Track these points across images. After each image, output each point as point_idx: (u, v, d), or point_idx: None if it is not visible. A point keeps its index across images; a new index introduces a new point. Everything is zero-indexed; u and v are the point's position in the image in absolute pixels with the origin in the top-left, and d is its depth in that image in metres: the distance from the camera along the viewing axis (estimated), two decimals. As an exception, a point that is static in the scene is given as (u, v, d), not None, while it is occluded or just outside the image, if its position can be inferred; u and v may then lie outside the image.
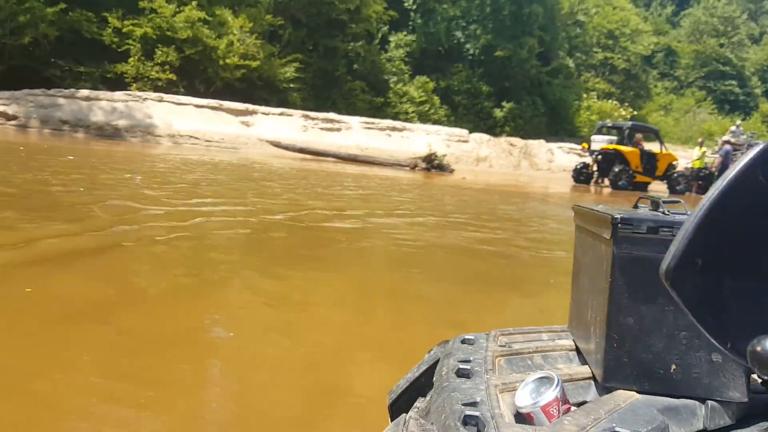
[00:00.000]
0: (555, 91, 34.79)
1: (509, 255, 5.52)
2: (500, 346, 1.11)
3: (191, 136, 18.93)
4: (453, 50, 33.64)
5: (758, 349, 0.47)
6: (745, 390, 0.89)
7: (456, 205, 10.25)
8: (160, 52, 22.43)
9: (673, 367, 0.89)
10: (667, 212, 0.98)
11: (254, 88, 24.17)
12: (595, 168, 20.03)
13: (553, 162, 23.61)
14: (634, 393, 0.89)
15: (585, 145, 20.42)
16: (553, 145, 24.57)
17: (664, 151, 19.78)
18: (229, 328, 2.69)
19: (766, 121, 45.06)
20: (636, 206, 1.13)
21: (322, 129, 21.89)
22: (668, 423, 0.80)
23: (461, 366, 0.99)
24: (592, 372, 0.98)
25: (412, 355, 1.46)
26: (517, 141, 24.30)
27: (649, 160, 19.42)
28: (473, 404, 0.83)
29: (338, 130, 22.14)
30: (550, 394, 0.88)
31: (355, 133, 22.08)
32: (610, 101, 37.41)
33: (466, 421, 0.77)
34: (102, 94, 19.90)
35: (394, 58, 30.82)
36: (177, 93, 21.64)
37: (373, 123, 22.85)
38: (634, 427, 0.75)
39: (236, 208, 6.47)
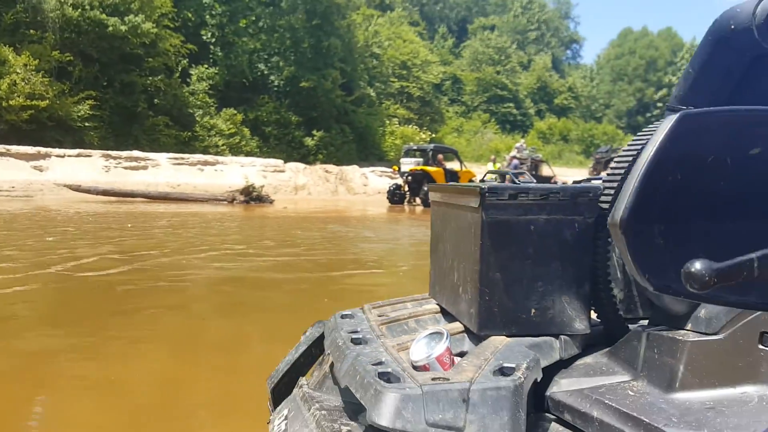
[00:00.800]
0: (361, 119, 36.35)
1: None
2: (379, 316, 1.22)
3: (-27, 187, 16.75)
4: (258, 82, 33.71)
5: (691, 269, 0.53)
6: (588, 324, 1.05)
7: (278, 234, 10.30)
8: (-76, 94, 19.62)
9: (533, 311, 1.04)
10: (518, 181, 1.23)
11: (45, 129, 22.06)
12: (406, 188, 21.29)
13: (368, 185, 24.62)
14: (504, 337, 1.03)
15: (395, 168, 21.64)
16: (366, 170, 25.67)
17: (464, 168, 21.66)
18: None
19: (542, 137, 51.35)
20: (483, 181, 1.34)
21: (126, 168, 20.61)
22: (538, 356, 0.94)
23: (354, 335, 1.07)
24: (464, 326, 1.12)
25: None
26: (332, 168, 24.99)
27: (452, 177, 21.11)
28: (380, 363, 0.91)
29: (144, 168, 21.01)
30: (442, 345, 0.99)
31: (164, 170, 21.11)
32: (410, 126, 39.98)
33: (381, 377, 0.84)
34: None
35: (198, 91, 30.05)
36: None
37: (182, 158, 22.05)
38: (516, 361, 0.88)
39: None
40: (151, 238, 8.38)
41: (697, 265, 0.53)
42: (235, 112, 30.51)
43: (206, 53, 31.43)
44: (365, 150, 36.61)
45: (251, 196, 19.06)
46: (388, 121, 39.22)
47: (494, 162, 23.04)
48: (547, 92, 60.42)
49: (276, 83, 34.19)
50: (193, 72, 30.49)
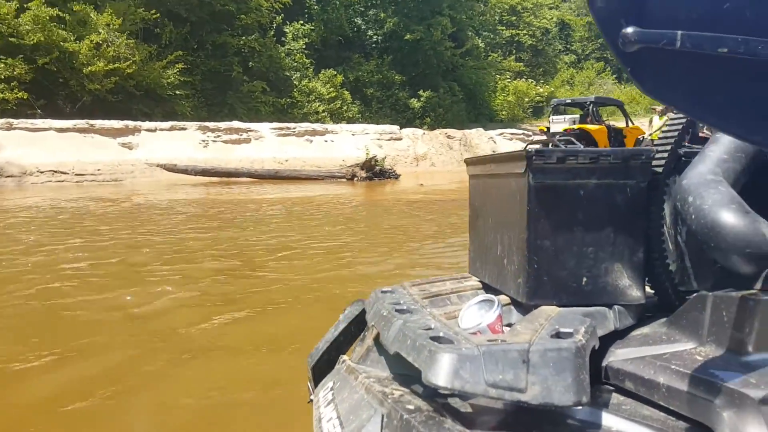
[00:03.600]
0: (470, 75, 32.20)
1: None
2: (420, 291, 1.20)
3: (55, 171, 14.21)
4: (355, 38, 30.22)
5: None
6: (643, 294, 1.03)
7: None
8: (2, 65, 17.28)
9: (584, 279, 1.02)
10: (565, 145, 0.89)
11: (132, 100, 19.49)
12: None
13: (497, 151, 20.79)
14: (555, 307, 1.00)
15: (543, 128, 17.63)
16: (492, 133, 21.79)
17: (630, 125, 17.36)
18: None
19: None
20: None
21: (226, 142, 17.73)
22: (594, 323, 0.90)
23: (398, 306, 1.01)
24: (511, 299, 1.10)
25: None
26: (455, 132, 21.29)
27: (617, 137, 16.89)
28: (430, 328, 0.86)
29: (247, 141, 18.07)
30: (494, 313, 0.98)
31: (268, 143, 18.11)
32: (523, 80, 35.42)
33: (434, 339, 0.79)
34: None
35: (294, 51, 26.85)
36: (33, 116, 16.73)
37: (288, 128, 18.94)
38: (573, 326, 0.83)
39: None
40: (293, 251, 5.22)
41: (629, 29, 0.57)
42: (335, 73, 27.17)
43: (301, 7, 28.09)
44: (474, 110, 32.53)
45: (374, 170, 15.70)
46: (499, 76, 34.78)
47: (662, 114, 18.61)
48: (667, 35, 53.62)
49: (375, 39, 30.55)
50: (288, 29, 27.27)
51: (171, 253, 5.35)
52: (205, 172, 15.23)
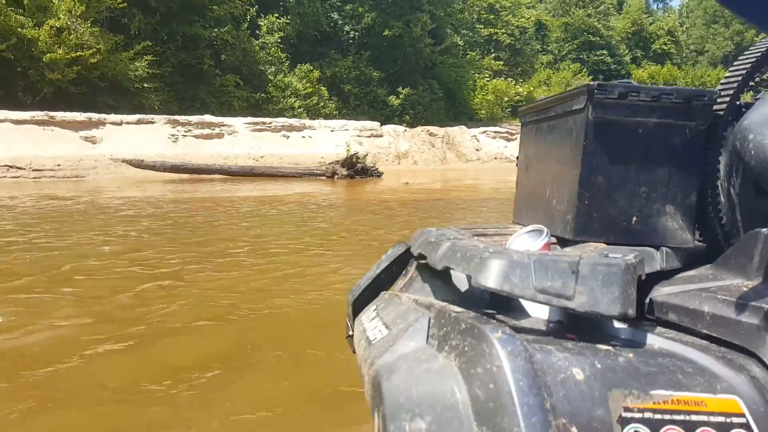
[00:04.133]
0: (450, 73, 31.54)
1: None
2: (465, 230, 1.18)
3: (10, 166, 13.06)
4: (331, 33, 29.34)
5: None
6: (692, 238, 1.02)
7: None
8: (-47, 53, 16.01)
9: (634, 219, 1.01)
10: (629, 82, 1.03)
11: (97, 93, 18.31)
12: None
13: (481, 150, 20.13)
14: (602, 244, 1.00)
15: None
16: (475, 131, 21.10)
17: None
18: None
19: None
20: None
21: (197, 137, 16.72)
22: (642, 255, 0.89)
23: (446, 235, 1.00)
24: (557, 238, 1.08)
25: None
26: (437, 130, 20.56)
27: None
28: (481, 247, 0.85)
29: (220, 136, 17.08)
30: (542, 240, 0.98)
31: (243, 139, 17.14)
32: (502, 79, 34.90)
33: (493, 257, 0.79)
34: None
35: (269, 45, 25.83)
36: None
37: (264, 123, 17.97)
38: (621, 254, 0.82)
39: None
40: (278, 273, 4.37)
41: None
42: (312, 68, 26.25)
43: (275, 0, 27.11)
44: (453, 108, 31.86)
45: (355, 168, 14.88)
46: (478, 75, 34.19)
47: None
48: (642, 37, 53.89)
49: (352, 34, 29.72)
50: (263, 22, 26.24)
51: (87, 260, 4.45)
52: (174, 169, 14.22)
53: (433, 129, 20.59)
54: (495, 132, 21.24)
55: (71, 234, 5.65)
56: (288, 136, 17.85)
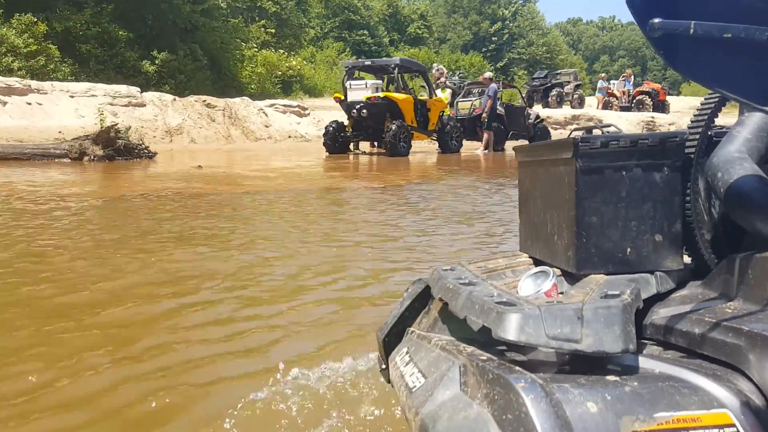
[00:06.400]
0: (214, 38, 27.27)
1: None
2: (477, 268, 1.29)
3: None
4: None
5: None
6: (681, 261, 1.13)
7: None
8: None
9: (629, 250, 1.12)
10: (606, 132, 1.24)
11: None
12: (351, 129, 14.10)
13: (271, 127, 16.80)
14: (602, 275, 1.10)
15: (338, 96, 14.17)
16: (261, 104, 17.67)
17: (435, 97, 14.87)
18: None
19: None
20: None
21: None
22: (638, 287, 1.01)
23: (461, 280, 1.11)
24: (561, 271, 1.20)
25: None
26: (216, 101, 16.70)
27: (422, 110, 14.31)
28: (494, 296, 0.95)
29: None
30: (550, 282, 1.09)
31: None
32: (272, 51, 31.59)
33: (499, 303, 0.89)
34: None
35: (-31, -16, 19.08)
36: None
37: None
38: (619, 289, 0.94)
39: None
40: None
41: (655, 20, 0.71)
42: (35, 19, 20.12)
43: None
44: (220, 81, 27.71)
45: (116, 146, 10.62)
46: (245, 44, 30.37)
47: (444, 87, 16.69)
48: (398, 20, 54.73)
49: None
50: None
51: None
52: None
53: (210, 100, 16.65)
54: (285, 106, 18.05)
55: None
56: (5, 102, 12.56)
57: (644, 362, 0.88)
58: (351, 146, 14.43)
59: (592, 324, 0.82)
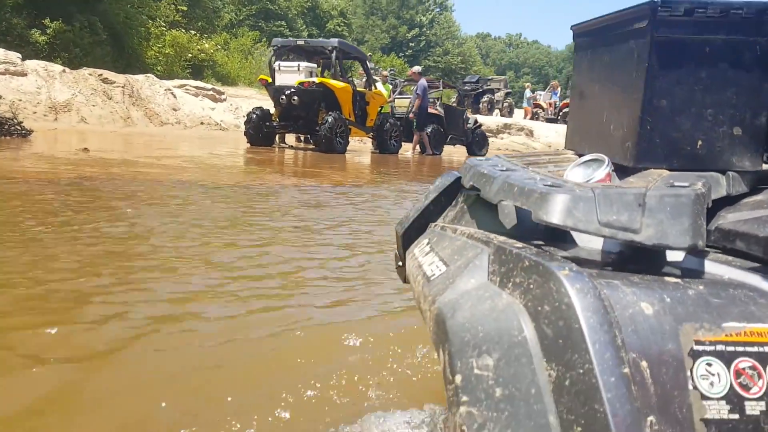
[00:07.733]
0: (117, 12, 24.36)
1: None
2: (517, 159, 1.13)
3: None
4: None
5: None
6: (760, 161, 0.97)
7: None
8: None
9: (699, 143, 0.96)
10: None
11: None
12: (278, 118, 12.25)
13: (180, 110, 14.55)
14: (664, 170, 0.95)
15: (265, 78, 12.24)
16: (169, 83, 15.39)
17: (374, 89, 13.27)
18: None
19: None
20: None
21: None
22: (709, 182, 0.86)
23: (498, 167, 0.97)
24: (614, 166, 1.04)
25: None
26: (114, 76, 14.26)
27: (361, 103, 12.70)
28: (537, 179, 0.83)
29: None
30: (604, 170, 0.93)
31: None
32: (181, 31, 28.91)
33: (544, 184, 0.78)
34: None
35: None
36: None
37: None
38: (688, 181, 0.80)
39: None
40: None
41: None
42: None
43: None
44: (122, 59, 24.77)
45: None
46: (152, 22, 27.53)
47: (384, 80, 15.22)
48: (317, 14, 53.00)
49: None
50: None
51: None
52: None
53: (108, 74, 14.17)
54: (198, 88, 15.82)
55: None
56: None
57: (711, 267, 0.75)
58: (277, 138, 12.57)
59: (656, 213, 0.70)
